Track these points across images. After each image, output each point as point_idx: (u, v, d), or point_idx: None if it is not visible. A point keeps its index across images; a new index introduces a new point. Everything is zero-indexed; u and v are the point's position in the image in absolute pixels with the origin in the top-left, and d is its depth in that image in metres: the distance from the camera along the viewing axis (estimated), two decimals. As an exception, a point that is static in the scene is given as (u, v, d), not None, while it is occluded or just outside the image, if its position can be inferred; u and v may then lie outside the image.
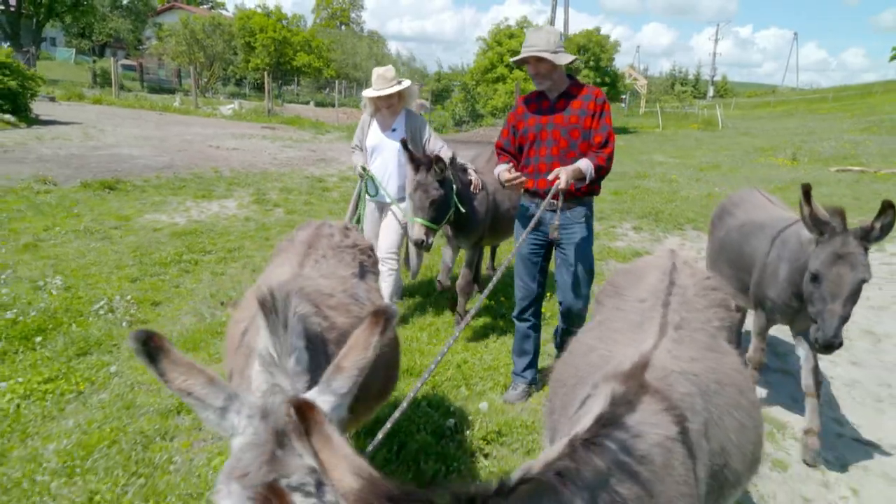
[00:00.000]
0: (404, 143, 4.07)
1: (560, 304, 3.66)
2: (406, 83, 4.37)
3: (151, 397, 3.32)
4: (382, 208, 4.63)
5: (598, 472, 1.21)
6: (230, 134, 17.94)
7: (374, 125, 4.49)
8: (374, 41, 49.22)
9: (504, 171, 3.42)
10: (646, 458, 1.31)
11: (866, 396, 4.09)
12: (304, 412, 1.02)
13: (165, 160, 12.17)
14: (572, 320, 3.57)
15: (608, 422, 1.31)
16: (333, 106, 30.88)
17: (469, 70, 27.27)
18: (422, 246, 4.04)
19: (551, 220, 3.39)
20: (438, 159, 4.01)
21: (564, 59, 3.31)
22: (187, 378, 1.26)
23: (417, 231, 3.96)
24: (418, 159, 4.03)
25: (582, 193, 3.45)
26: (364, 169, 4.46)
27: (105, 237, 6.54)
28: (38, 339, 3.89)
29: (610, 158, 3.38)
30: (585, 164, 3.29)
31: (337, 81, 31.49)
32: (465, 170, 4.52)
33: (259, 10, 40.69)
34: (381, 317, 1.35)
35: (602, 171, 3.37)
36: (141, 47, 48.04)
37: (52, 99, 21.89)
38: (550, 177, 3.21)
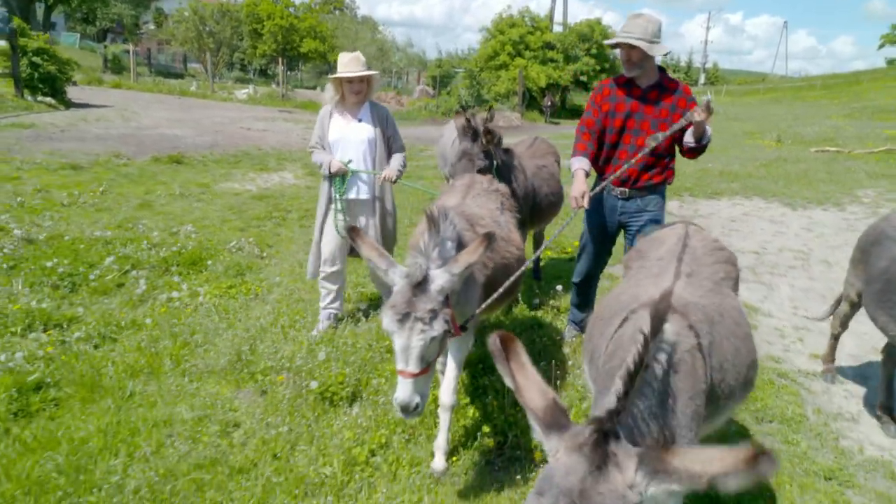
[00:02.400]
0: (457, 111, 3.94)
1: None
2: (376, 72, 4.11)
3: (311, 294, 4.61)
4: (351, 207, 4.05)
5: (654, 373, 1.54)
6: (252, 117, 19.00)
7: (336, 118, 4.01)
8: (374, 27, 49.98)
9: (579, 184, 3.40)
10: (680, 361, 1.71)
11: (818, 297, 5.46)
12: (506, 342, 1.29)
13: (208, 140, 13.30)
14: None
15: (654, 331, 1.52)
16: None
17: (473, 57, 28.45)
18: None
19: (622, 207, 3.61)
20: (488, 130, 3.95)
21: (659, 49, 3.29)
22: (370, 255, 2.34)
23: None
24: (468, 126, 3.86)
25: (655, 183, 3.56)
26: (328, 166, 3.89)
27: (199, 199, 7.78)
28: (209, 262, 5.18)
29: (707, 144, 3.43)
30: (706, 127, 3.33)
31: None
32: (503, 146, 4.27)
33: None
34: (487, 238, 2.34)
35: (706, 143, 3.40)
36: (139, 32, 48.55)
37: (74, 83, 22.75)
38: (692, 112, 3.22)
